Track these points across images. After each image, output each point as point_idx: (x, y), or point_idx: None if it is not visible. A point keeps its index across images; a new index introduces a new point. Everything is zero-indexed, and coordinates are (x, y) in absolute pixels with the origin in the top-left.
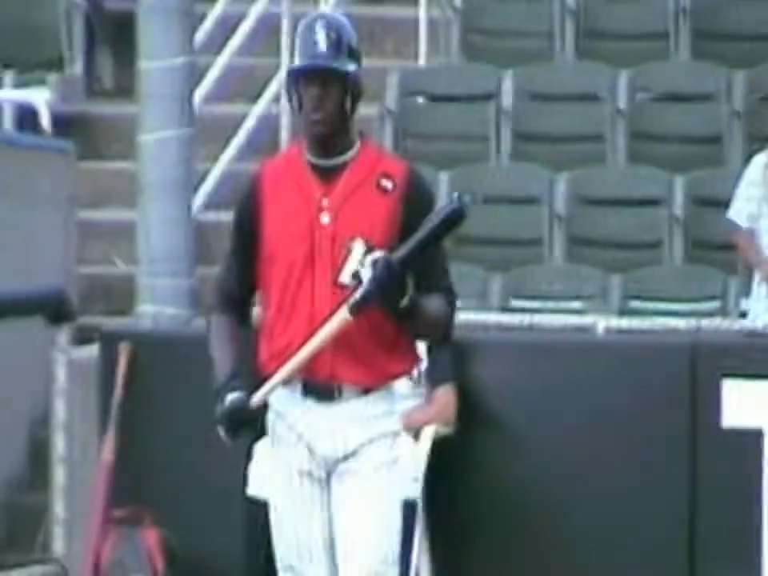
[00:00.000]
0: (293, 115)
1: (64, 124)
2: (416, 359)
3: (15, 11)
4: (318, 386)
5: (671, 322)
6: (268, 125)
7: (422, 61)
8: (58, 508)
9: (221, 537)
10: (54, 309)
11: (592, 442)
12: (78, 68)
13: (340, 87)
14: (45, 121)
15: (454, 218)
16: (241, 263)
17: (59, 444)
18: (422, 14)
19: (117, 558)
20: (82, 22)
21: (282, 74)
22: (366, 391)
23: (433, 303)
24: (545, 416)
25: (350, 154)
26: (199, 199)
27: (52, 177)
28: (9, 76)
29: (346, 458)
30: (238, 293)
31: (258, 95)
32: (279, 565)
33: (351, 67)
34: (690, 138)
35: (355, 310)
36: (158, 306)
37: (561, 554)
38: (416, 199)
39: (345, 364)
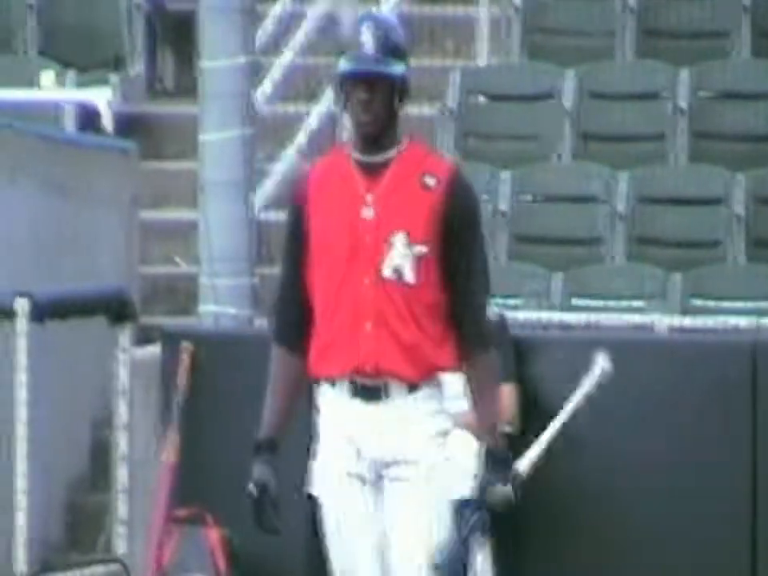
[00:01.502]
0: None
1: (125, 124)
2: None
3: (77, 11)
4: (366, 387)
5: (732, 320)
6: (329, 124)
7: (482, 60)
8: (121, 508)
9: (282, 536)
10: (116, 309)
11: (652, 441)
12: (139, 68)
13: (387, 89)
14: (106, 121)
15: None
16: (297, 275)
17: (121, 444)
18: (483, 12)
19: (179, 558)
20: (143, 22)
21: None
22: (413, 388)
23: (488, 381)
24: (605, 414)
25: (395, 151)
26: (259, 199)
27: (114, 177)
28: (70, 76)
29: (395, 460)
30: (298, 313)
31: (319, 94)
32: (333, 567)
33: (398, 69)
34: (751, 136)
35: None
36: (220, 306)
37: (619, 555)
38: (458, 197)
39: (391, 357)
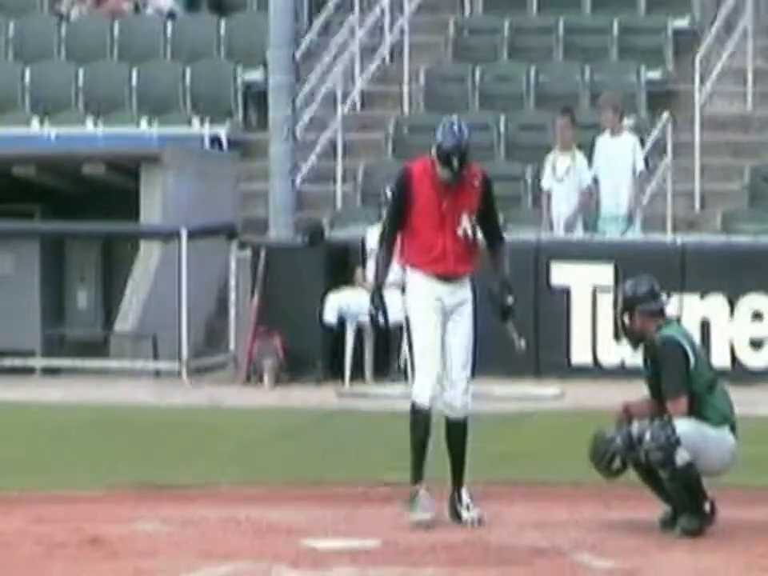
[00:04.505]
0: None
1: (233, 144)
2: (478, 261)
3: (211, 87)
4: (446, 275)
5: None
6: None
7: None
8: (232, 327)
9: (311, 342)
10: (229, 232)
11: None
12: (237, 117)
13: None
14: (224, 142)
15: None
16: (399, 219)
17: (232, 297)
18: None
19: (260, 351)
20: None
21: None
22: (464, 276)
23: (503, 256)
24: None
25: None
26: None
27: (227, 168)
28: (206, 119)
29: (455, 306)
30: (395, 234)
31: None
32: (417, 349)
33: None
34: None
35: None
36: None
37: None
38: (487, 186)
39: (457, 264)
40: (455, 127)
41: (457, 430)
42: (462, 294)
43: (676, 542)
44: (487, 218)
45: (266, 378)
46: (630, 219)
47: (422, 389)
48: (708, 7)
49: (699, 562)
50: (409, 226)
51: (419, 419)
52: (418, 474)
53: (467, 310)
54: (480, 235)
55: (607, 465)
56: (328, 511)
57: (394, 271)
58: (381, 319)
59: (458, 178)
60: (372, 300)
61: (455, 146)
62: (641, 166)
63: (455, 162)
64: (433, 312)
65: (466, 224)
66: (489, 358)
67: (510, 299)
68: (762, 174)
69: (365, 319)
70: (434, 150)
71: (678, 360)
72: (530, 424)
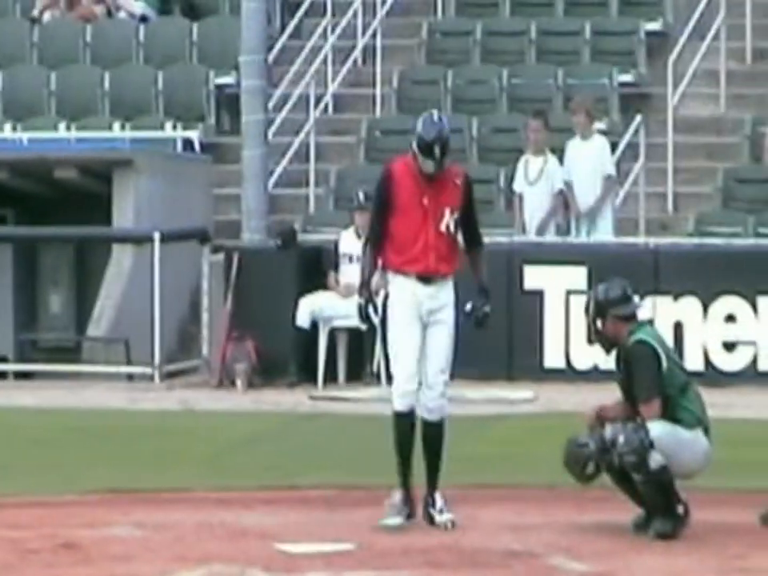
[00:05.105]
0: None
1: (206, 148)
2: (460, 263)
3: (187, 94)
4: (426, 274)
5: None
6: None
7: None
8: (205, 331)
9: (284, 346)
10: (202, 236)
11: None
12: (211, 121)
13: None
14: (197, 146)
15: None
16: (382, 219)
17: (205, 301)
18: None
19: (233, 355)
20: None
21: None
22: (444, 277)
23: (482, 260)
24: None
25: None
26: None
27: (200, 172)
28: (179, 124)
29: (435, 310)
30: (380, 233)
31: None
32: (394, 354)
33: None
34: None
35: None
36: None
37: None
38: (468, 186)
39: (438, 262)
40: (435, 118)
41: (432, 432)
42: (443, 298)
43: (650, 544)
44: (468, 220)
45: (238, 381)
46: (593, 221)
47: (400, 395)
48: (680, 10)
49: (673, 564)
50: (391, 224)
51: (400, 424)
52: (401, 481)
53: (448, 313)
54: (460, 238)
55: (581, 470)
56: (301, 515)
57: (376, 278)
58: (372, 313)
59: (440, 167)
60: (360, 293)
61: (437, 136)
62: (610, 169)
63: (437, 152)
64: (411, 317)
65: (448, 220)
66: (462, 361)
67: (487, 308)
68: (734, 176)
69: (338, 323)
70: (414, 144)
71: (649, 363)
72: (503, 427)
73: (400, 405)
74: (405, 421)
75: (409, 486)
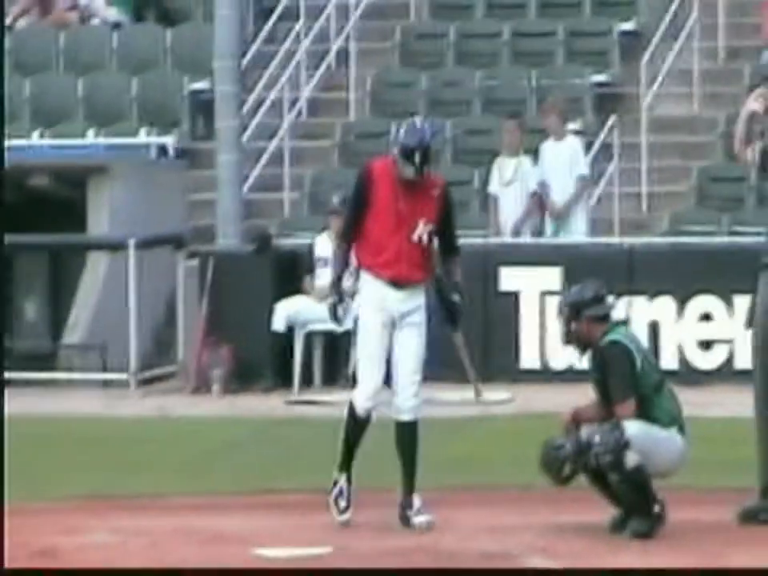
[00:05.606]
0: None
1: (180, 153)
2: (432, 271)
3: (164, 101)
4: (398, 281)
5: None
6: None
7: None
8: (180, 337)
9: (260, 351)
10: (177, 242)
11: None
12: (186, 126)
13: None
14: (171, 152)
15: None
16: (357, 216)
17: (181, 307)
18: None
19: (209, 360)
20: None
21: None
22: (416, 284)
23: (456, 266)
24: None
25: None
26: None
27: (175, 178)
28: (154, 130)
29: (406, 314)
30: (353, 231)
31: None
32: (361, 356)
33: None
34: None
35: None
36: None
37: None
38: (446, 198)
39: (410, 270)
40: (418, 125)
41: (405, 433)
42: (413, 302)
43: (627, 544)
44: (445, 230)
45: (214, 387)
46: (566, 222)
47: (362, 397)
48: (654, 10)
49: (650, 563)
50: (365, 223)
51: (354, 424)
52: (344, 466)
53: (419, 317)
54: (435, 244)
55: (557, 472)
56: (278, 519)
57: (350, 281)
58: (340, 310)
59: (420, 173)
60: (331, 289)
61: (417, 143)
62: (583, 169)
63: (417, 159)
64: (381, 320)
65: (422, 230)
66: (438, 363)
67: (456, 296)
68: (709, 175)
69: (314, 327)
70: (396, 150)
71: (623, 363)
72: (479, 429)
73: (359, 409)
74: (359, 424)
75: (350, 471)
